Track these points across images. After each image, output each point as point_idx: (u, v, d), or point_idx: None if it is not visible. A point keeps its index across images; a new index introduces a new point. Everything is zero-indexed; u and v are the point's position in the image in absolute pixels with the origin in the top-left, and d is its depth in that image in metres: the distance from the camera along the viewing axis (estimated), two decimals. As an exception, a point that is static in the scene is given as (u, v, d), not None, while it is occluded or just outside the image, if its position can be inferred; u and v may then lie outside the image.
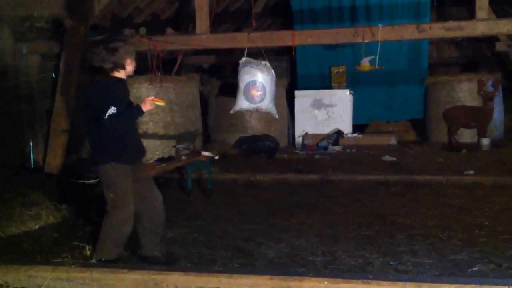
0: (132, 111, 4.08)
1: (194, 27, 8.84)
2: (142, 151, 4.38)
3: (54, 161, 8.60)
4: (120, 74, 4.14)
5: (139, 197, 4.20)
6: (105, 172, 4.10)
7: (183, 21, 11.73)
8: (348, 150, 10.98)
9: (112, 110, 3.92)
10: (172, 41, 8.68)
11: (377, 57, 8.55)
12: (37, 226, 5.44)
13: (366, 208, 6.24)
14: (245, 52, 8.27)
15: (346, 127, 11.98)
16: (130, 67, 4.16)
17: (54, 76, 9.20)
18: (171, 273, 3.83)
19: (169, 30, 9.37)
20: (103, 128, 3.99)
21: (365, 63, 9.56)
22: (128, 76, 4.27)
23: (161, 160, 5.98)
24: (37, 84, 9.30)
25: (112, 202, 4.09)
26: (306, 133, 11.99)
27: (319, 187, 7.48)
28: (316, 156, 10.31)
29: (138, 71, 10.07)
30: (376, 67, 9.06)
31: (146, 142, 9.12)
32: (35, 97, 9.32)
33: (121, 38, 4.28)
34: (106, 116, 3.91)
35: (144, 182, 4.31)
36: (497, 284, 3.43)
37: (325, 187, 7.47)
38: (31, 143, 9.05)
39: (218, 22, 11.48)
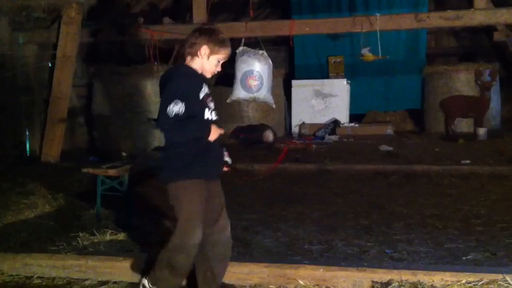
0: (201, 126, 3.24)
1: (191, 16, 8.82)
2: (222, 162, 3.42)
3: (51, 151, 8.61)
4: (195, 64, 3.28)
5: (208, 221, 3.31)
6: (172, 190, 3.25)
7: (180, 11, 11.68)
8: (345, 140, 10.97)
9: (178, 106, 3.09)
10: (169, 31, 8.67)
11: (379, 46, 8.54)
12: (33, 215, 5.45)
13: (364, 198, 6.25)
14: (242, 42, 8.24)
15: (343, 117, 11.97)
16: (207, 62, 3.27)
17: (51, 65, 9.18)
18: (167, 261, 3.82)
19: (166, 20, 9.34)
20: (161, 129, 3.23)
21: (367, 53, 9.55)
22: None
23: (158, 148, 5.98)
24: (34, 74, 9.29)
25: (178, 225, 3.23)
26: (303, 122, 11.98)
27: (316, 177, 7.49)
28: (313, 146, 10.30)
29: (136, 61, 10.12)
30: (380, 56, 9.06)
31: (142, 131, 9.16)
32: (33, 87, 9.32)
33: (216, 27, 3.35)
34: (169, 112, 3.08)
35: (217, 206, 3.39)
36: (491, 272, 3.44)
37: (323, 177, 7.47)
38: (27, 133, 9.04)
39: (215, 12, 11.42)
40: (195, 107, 3.20)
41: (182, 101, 3.09)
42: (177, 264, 3.22)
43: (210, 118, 3.29)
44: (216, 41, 3.24)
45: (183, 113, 3.09)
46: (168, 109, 3.07)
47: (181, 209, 3.21)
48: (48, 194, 5.95)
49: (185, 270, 3.28)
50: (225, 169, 3.41)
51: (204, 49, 3.23)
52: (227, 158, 3.39)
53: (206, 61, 3.26)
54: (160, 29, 8.79)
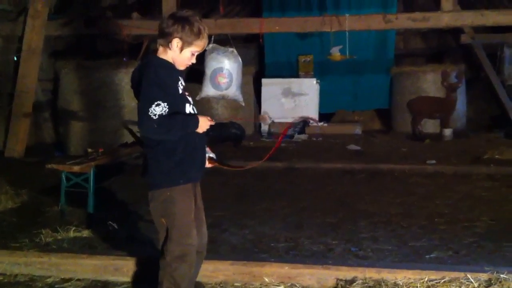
0: (187, 121, 2.98)
1: (160, 12, 8.75)
2: (205, 160, 3.20)
3: (16, 146, 8.47)
4: (167, 56, 2.99)
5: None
6: (161, 196, 3.01)
7: (149, 5, 11.58)
8: (314, 139, 11.03)
9: (160, 107, 2.82)
10: (138, 26, 8.59)
11: (347, 46, 8.61)
12: (-5, 211, 5.35)
13: (331, 196, 6.28)
14: (212, 39, 8.21)
15: (313, 116, 12.02)
16: (177, 54, 2.97)
17: (16, 59, 9.03)
18: (131, 258, 3.80)
19: (135, 15, 9.24)
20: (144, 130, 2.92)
21: (336, 53, 9.61)
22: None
23: (124, 145, 5.92)
24: (-1, 67, 9.11)
25: (173, 235, 3.01)
26: (273, 121, 12.00)
27: (285, 175, 7.50)
28: (283, 144, 10.32)
29: (104, 56, 9.98)
30: (347, 56, 9.13)
31: (109, 126, 9.04)
32: (-3, 80, 9.14)
33: (199, 17, 3.02)
34: (153, 114, 2.80)
35: (200, 210, 3.24)
36: (453, 270, 3.50)
37: (291, 175, 7.49)
38: (-9, 127, 8.88)
39: (185, 7, 11.33)
40: (177, 102, 2.95)
41: (164, 101, 2.81)
42: (179, 276, 2.98)
43: (192, 113, 3.05)
44: (190, 32, 2.92)
45: (167, 112, 2.83)
46: (150, 111, 2.78)
47: (174, 217, 2.98)
48: (11, 190, 5.84)
49: (187, 283, 3.06)
50: (210, 165, 3.22)
51: (177, 42, 2.93)
52: (211, 154, 3.27)
53: (178, 54, 2.96)
54: (128, 24, 8.69)
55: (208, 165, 3.23)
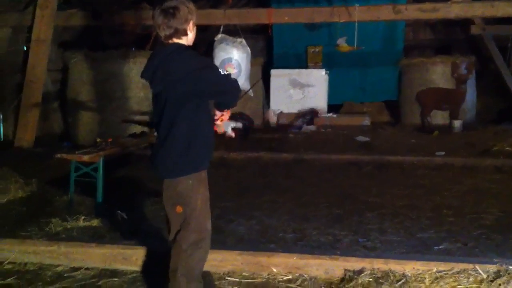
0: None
1: (169, 2, 8.73)
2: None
3: (25, 136, 8.50)
4: (183, 42, 3.03)
5: None
6: (176, 187, 2.99)
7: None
8: (323, 130, 11.02)
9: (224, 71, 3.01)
10: (146, 16, 8.58)
11: (355, 37, 8.57)
12: (5, 200, 5.38)
13: (338, 188, 6.27)
14: (221, 29, 8.19)
15: (321, 107, 12.00)
16: (192, 33, 3.06)
17: (25, 49, 9.05)
18: (140, 247, 3.82)
19: (144, 5, 9.24)
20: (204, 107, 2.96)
21: (343, 44, 9.57)
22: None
23: (133, 135, 5.94)
24: (7, 57, 9.14)
25: (192, 221, 3.00)
26: (281, 112, 11.99)
27: (290, 167, 7.50)
28: (290, 135, 10.33)
29: (111, 46, 9.99)
30: (355, 47, 9.09)
31: (117, 117, 9.05)
32: (5, 70, 9.17)
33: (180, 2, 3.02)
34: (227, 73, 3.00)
35: None
36: (462, 262, 3.49)
37: (298, 166, 7.49)
38: (1, 117, 8.91)
39: (194, -1, 11.33)
40: None
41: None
42: (194, 263, 3.00)
43: None
44: (194, 12, 3.03)
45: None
46: (225, 74, 2.98)
47: (193, 204, 2.98)
48: (21, 179, 5.88)
49: (200, 269, 3.06)
50: (232, 134, 3.34)
51: (192, 24, 3.02)
52: (234, 124, 3.31)
53: (193, 33, 3.07)
54: (137, 15, 8.69)
55: (231, 134, 3.35)
